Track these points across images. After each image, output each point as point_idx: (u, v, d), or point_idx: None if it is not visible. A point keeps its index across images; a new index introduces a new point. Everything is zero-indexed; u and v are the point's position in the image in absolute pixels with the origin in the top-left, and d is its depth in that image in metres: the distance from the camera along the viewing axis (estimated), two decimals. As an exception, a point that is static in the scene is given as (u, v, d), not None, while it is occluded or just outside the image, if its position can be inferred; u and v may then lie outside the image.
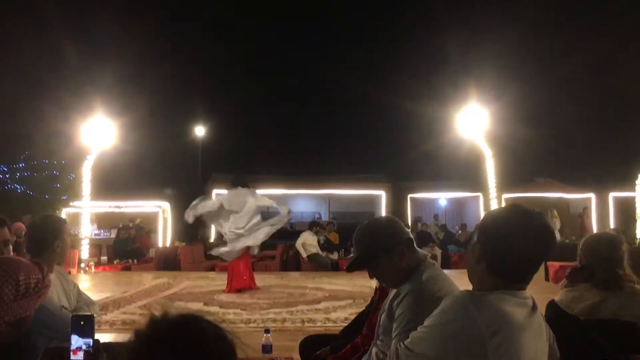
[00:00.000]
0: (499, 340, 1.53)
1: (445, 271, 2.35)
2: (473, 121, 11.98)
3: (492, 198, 12.81)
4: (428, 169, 19.53)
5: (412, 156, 19.76)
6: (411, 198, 18.79)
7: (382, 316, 2.30)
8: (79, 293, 3.35)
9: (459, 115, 12.25)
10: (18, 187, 14.72)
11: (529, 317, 1.63)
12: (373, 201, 19.22)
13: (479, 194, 15.78)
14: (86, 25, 24.26)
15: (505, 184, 14.05)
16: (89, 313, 2.39)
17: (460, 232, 15.48)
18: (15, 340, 1.88)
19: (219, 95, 27.66)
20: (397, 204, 18.51)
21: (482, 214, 15.22)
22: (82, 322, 2.00)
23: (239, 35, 31.96)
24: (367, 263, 2.26)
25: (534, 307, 1.67)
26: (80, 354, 1.88)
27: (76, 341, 1.93)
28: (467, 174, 15.85)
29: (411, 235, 2.35)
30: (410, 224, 15.22)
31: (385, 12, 29.34)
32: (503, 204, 14.80)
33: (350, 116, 27.94)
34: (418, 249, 2.35)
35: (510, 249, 1.62)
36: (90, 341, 1.78)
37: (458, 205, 20.22)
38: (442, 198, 20.10)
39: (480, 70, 16.88)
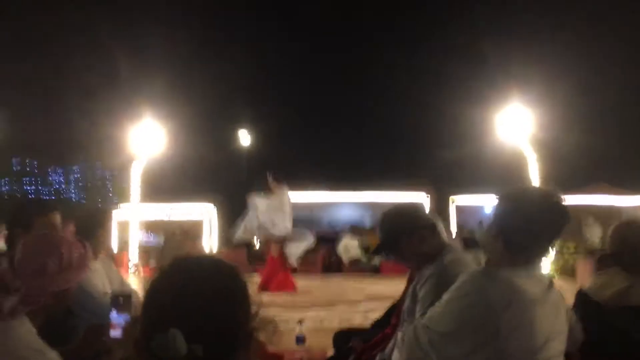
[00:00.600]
0: (511, 313, 1.58)
1: None
2: (516, 124, 11.77)
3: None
4: (472, 175, 19.24)
5: (455, 161, 19.53)
6: (455, 204, 18.57)
7: (407, 300, 2.36)
8: (122, 282, 3.52)
9: (501, 118, 12.05)
10: (73, 192, 15.30)
11: (544, 293, 1.67)
12: (417, 208, 19.07)
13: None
14: (136, 36, 25.12)
15: (554, 188, 13.68)
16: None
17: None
18: (59, 315, 2.00)
19: (265, 102, 28.09)
20: (440, 210, 18.35)
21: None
22: (120, 300, 2.14)
23: (286, 46, 32.37)
24: (389, 246, 2.34)
25: (551, 284, 1.71)
26: (119, 330, 2.01)
27: (115, 317, 2.07)
28: (512, 178, 15.55)
29: (436, 222, 2.41)
30: (455, 231, 15.05)
31: (424, 14, 29.14)
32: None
33: (392, 122, 27.87)
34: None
35: (528, 228, 1.68)
36: (128, 317, 1.91)
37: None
38: (487, 204, 19.73)
39: (525, 71, 16.61)
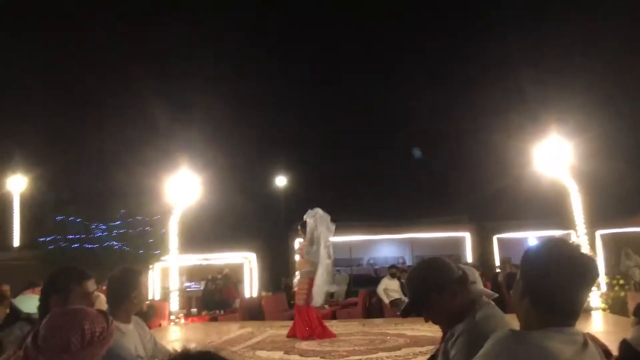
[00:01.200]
0: None
1: None
2: (555, 155, 11.55)
3: (582, 235, 12.14)
4: (513, 207, 18.84)
5: (495, 195, 19.17)
6: (498, 239, 18.21)
7: (439, 359, 2.28)
8: (155, 343, 3.51)
9: (539, 149, 11.86)
10: (116, 244, 15.60)
11: (578, 354, 1.57)
12: (457, 243, 18.77)
13: (570, 231, 15.05)
14: (173, 89, 25.83)
15: (598, 220, 13.31)
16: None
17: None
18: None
19: (299, 145, 28.34)
20: (482, 245, 17.99)
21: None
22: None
23: (319, 89, 32.82)
24: (419, 305, 2.26)
25: (585, 344, 1.61)
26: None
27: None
28: (555, 210, 15.16)
29: (463, 273, 2.32)
30: (499, 266, 14.70)
31: (458, 44, 29.06)
32: (598, 242, 14.01)
33: (428, 156, 27.64)
34: (476, 287, 2.33)
35: (553, 283, 1.58)
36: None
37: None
38: (531, 237, 19.29)
39: (562, 102, 16.30)
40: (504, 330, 1.69)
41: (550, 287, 1.58)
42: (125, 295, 3.22)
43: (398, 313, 11.92)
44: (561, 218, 14.66)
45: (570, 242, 1.68)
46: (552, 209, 15.61)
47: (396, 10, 31.92)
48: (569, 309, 1.61)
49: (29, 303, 3.57)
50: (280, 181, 25.00)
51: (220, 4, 30.82)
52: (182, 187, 12.91)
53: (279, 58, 30.30)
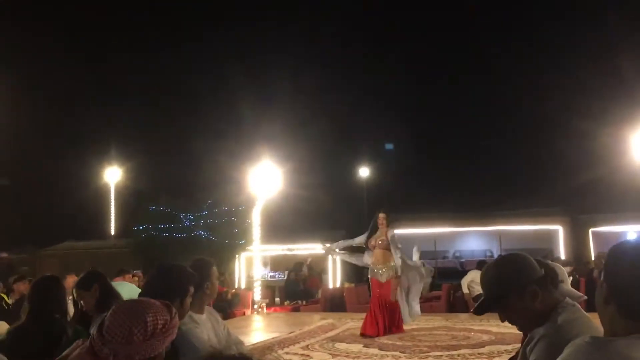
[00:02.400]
0: None
1: None
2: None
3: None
4: (610, 199, 17.71)
5: (590, 185, 18.10)
6: (593, 232, 17.20)
7: (518, 362, 2.11)
8: (229, 333, 3.51)
9: (637, 136, 11.02)
10: (203, 233, 16.09)
11: None
12: (549, 237, 17.92)
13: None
14: (257, 83, 26.33)
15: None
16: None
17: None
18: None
19: (383, 136, 28.12)
20: (577, 239, 17.06)
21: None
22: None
23: (405, 78, 32.38)
24: (495, 304, 2.09)
25: None
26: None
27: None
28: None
29: (546, 272, 2.12)
30: (594, 262, 13.86)
31: (550, 30, 27.65)
32: None
33: (518, 144, 26.52)
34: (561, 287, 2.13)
35: (636, 287, 1.38)
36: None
37: (652, 239, 17.99)
38: (631, 231, 18.07)
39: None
40: (585, 337, 1.50)
41: (638, 292, 1.39)
42: (199, 285, 3.21)
43: (472, 310, 11.48)
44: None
45: None
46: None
47: (483, 9, 30.91)
48: None
49: (122, 290, 3.69)
50: (364, 172, 24.88)
51: (306, 1, 31.11)
52: (266, 179, 13.09)
53: (368, 49, 30.21)
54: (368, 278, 14.43)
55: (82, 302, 3.53)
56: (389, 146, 28.31)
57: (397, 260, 7.89)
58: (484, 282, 2.15)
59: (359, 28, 31.69)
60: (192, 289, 2.91)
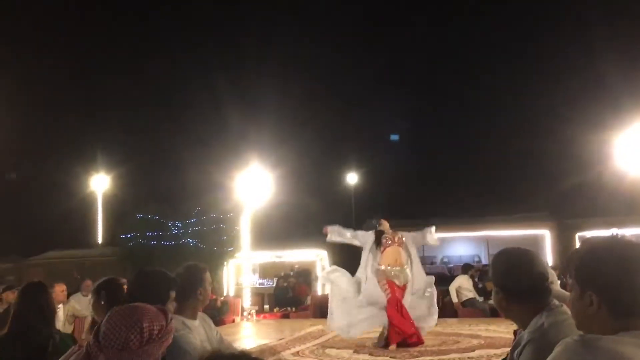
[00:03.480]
0: None
1: None
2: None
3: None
4: (596, 203, 17.90)
5: (576, 190, 18.28)
6: (580, 237, 17.34)
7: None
8: (221, 339, 3.51)
9: (621, 141, 11.15)
10: (191, 241, 16.01)
11: None
12: (536, 242, 18.03)
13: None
14: (244, 90, 26.36)
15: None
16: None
17: None
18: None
19: (370, 142, 28.24)
20: (563, 244, 17.20)
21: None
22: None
23: (391, 87, 32.57)
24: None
25: None
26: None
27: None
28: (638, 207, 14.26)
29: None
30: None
31: (537, 35, 27.96)
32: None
33: (504, 149, 26.72)
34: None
35: (626, 284, 1.41)
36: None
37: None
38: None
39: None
40: (574, 335, 1.52)
41: (626, 292, 1.41)
42: (191, 291, 3.21)
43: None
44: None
45: (625, 237, 1.50)
46: (638, 205, 14.69)
47: (471, 11, 31.18)
48: None
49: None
50: (351, 178, 24.95)
51: (293, 7, 31.21)
52: (254, 185, 13.10)
53: (352, 56, 30.35)
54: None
55: (91, 306, 3.52)
56: (395, 137, 28.00)
57: (415, 265, 7.62)
58: (491, 271, 2.17)
59: (348, 34, 31.83)
60: (173, 294, 2.89)
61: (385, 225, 7.72)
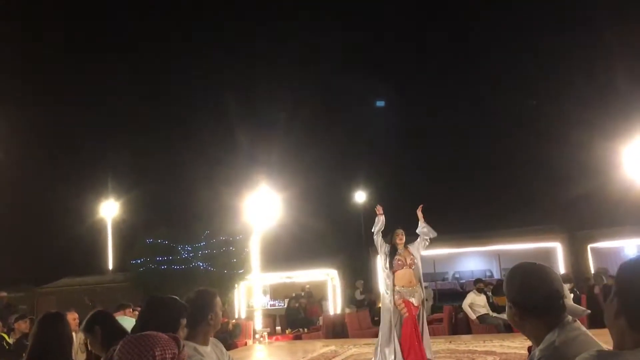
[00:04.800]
0: None
1: None
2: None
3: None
4: (607, 214, 17.75)
5: (586, 201, 18.15)
6: (592, 248, 17.20)
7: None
8: (233, 365, 3.50)
9: (630, 149, 11.09)
10: (201, 264, 16.00)
11: None
12: (548, 254, 17.88)
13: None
14: (253, 111, 26.51)
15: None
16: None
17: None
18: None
19: (378, 159, 28.25)
20: (575, 256, 17.04)
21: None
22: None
23: (397, 106, 32.68)
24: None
25: None
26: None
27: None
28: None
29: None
30: (593, 277, 13.84)
31: (541, 44, 27.90)
32: None
33: (513, 161, 26.60)
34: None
35: None
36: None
37: (650, 253, 18.04)
38: (629, 246, 18.08)
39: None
40: (591, 351, 1.51)
41: None
42: (202, 317, 3.20)
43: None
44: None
45: None
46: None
47: (471, 16, 31.37)
48: None
49: (123, 325, 3.67)
50: (360, 197, 24.91)
51: (303, 29, 31.51)
52: (263, 207, 13.11)
53: (359, 76, 30.48)
54: (370, 302, 14.31)
55: (89, 344, 3.52)
56: (380, 103, 27.84)
57: (423, 284, 7.44)
58: (506, 286, 2.15)
59: (356, 57, 32.10)
60: (184, 321, 2.89)
61: (399, 237, 7.36)
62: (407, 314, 7.05)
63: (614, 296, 1.51)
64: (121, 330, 3.43)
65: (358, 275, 17.80)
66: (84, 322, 3.57)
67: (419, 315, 7.18)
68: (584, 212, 19.43)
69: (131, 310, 8.02)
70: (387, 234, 7.48)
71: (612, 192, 15.07)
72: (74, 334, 6.75)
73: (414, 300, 7.15)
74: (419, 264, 7.45)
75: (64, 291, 19.02)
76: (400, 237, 7.34)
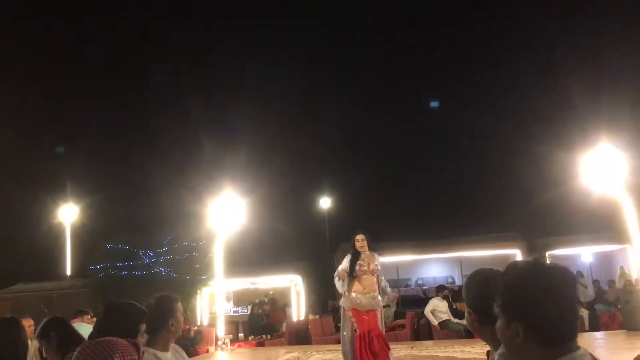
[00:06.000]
0: None
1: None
2: (607, 167, 11.10)
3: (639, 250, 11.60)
4: (564, 223, 18.23)
5: (544, 210, 18.59)
6: (550, 255, 17.61)
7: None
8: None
9: (588, 160, 11.42)
10: (163, 270, 15.77)
11: None
12: (508, 261, 17.96)
13: (627, 245, 14.42)
14: (216, 116, 26.31)
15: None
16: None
17: (609, 289, 14.21)
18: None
19: (343, 166, 28.37)
20: (534, 262, 17.43)
21: (632, 268, 13.81)
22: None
23: (363, 110, 32.88)
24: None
25: None
26: None
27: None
28: (608, 225, 14.57)
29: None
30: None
31: (504, 51, 28.55)
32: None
33: (474, 170, 27.09)
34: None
35: (553, 311, 1.40)
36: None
37: (604, 260, 18.56)
38: (586, 253, 18.60)
39: (615, 110, 15.66)
40: None
41: (555, 319, 1.40)
42: (163, 323, 3.16)
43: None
44: (615, 233, 14.09)
45: (541, 261, 1.51)
46: (605, 223, 14.99)
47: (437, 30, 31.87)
48: (574, 331, 1.44)
49: (80, 332, 3.59)
50: (325, 203, 24.99)
51: (268, 33, 31.46)
52: (227, 212, 13.01)
53: (324, 81, 30.61)
54: (334, 309, 14.30)
55: (44, 351, 3.42)
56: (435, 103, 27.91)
57: (384, 288, 6.94)
58: (465, 291, 2.16)
59: (321, 60, 32.12)
60: (143, 327, 2.85)
61: (359, 242, 6.87)
62: (357, 331, 6.56)
63: (509, 321, 1.45)
64: (78, 336, 3.35)
65: (322, 281, 17.81)
66: (38, 329, 3.48)
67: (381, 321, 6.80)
68: (543, 220, 19.89)
69: (90, 317, 7.84)
70: (350, 240, 7.06)
71: (570, 202, 15.46)
72: (29, 341, 6.56)
73: (360, 308, 6.61)
74: (383, 277, 7.03)
75: (19, 297, 18.47)
76: (361, 243, 6.85)
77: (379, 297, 6.76)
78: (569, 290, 1.44)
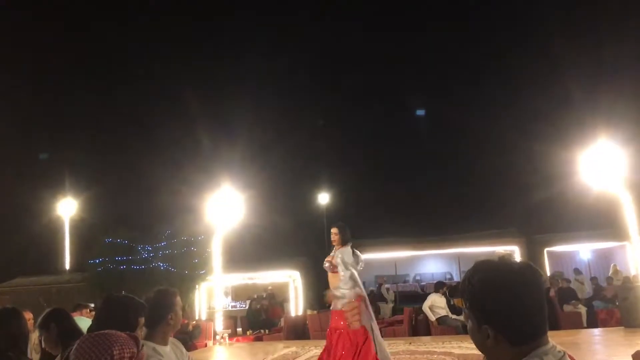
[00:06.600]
0: None
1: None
2: (605, 163, 11.09)
3: (638, 246, 11.60)
4: (563, 219, 18.28)
5: (543, 206, 18.63)
6: (548, 252, 17.68)
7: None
8: (192, 365, 3.46)
9: (587, 157, 11.41)
10: (161, 264, 15.79)
11: None
12: (506, 258, 18.31)
13: (625, 242, 14.45)
14: (216, 111, 26.26)
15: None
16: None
17: (607, 286, 14.25)
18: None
19: (342, 162, 28.37)
20: (532, 259, 17.46)
21: (630, 265, 13.85)
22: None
23: (362, 105, 32.86)
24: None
25: (564, 356, 1.44)
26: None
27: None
28: (607, 222, 14.59)
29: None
30: (549, 281, 14.20)
31: (503, 50, 28.53)
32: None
33: (473, 166, 27.08)
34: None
35: (521, 311, 1.41)
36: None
37: (602, 257, 18.60)
38: (584, 250, 18.64)
39: (615, 106, 15.64)
40: None
41: (523, 317, 1.42)
42: (162, 317, 3.16)
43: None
44: (614, 229, 14.10)
45: (508, 260, 1.49)
46: (604, 220, 15.01)
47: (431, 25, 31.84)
48: (544, 327, 1.46)
49: (80, 325, 3.60)
50: (323, 198, 24.98)
51: (265, 27, 31.40)
52: (225, 207, 13.00)
53: (323, 78, 30.59)
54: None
55: (43, 341, 3.43)
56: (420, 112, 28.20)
57: (344, 283, 6.18)
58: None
59: (319, 55, 32.09)
60: (142, 320, 2.86)
61: (332, 234, 6.44)
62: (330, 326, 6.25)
63: (479, 325, 1.46)
64: (77, 329, 3.36)
65: (320, 277, 17.83)
66: (39, 319, 3.49)
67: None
68: (542, 217, 19.94)
69: (88, 310, 7.85)
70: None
71: (568, 199, 15.50)
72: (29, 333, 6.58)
73: (335, 304, 6.20)
74: (345, 273, 6.22)
75: (18, 291, 18.49)
76: (332, 237, 6.42)
77: (341, 292, 6.16)
78: (534, 287, 1.45)
